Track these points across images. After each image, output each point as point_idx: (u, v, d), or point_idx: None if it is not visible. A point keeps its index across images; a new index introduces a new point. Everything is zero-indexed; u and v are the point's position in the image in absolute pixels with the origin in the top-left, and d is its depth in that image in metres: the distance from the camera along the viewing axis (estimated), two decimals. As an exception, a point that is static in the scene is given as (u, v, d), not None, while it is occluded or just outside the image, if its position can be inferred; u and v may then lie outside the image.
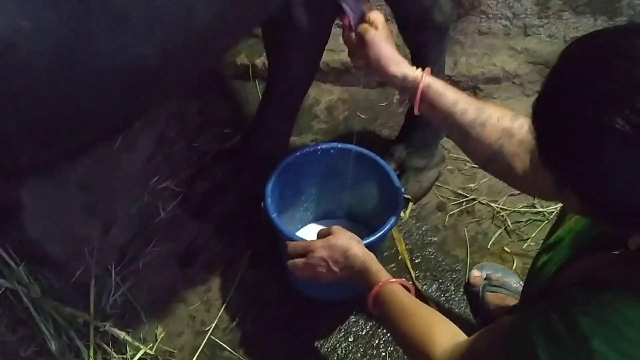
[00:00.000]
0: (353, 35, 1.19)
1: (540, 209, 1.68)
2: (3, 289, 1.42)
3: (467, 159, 1.77)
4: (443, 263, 1.59)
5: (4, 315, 1.42)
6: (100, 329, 1.40)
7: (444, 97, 1.10)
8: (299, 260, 1.27)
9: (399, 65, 1.14)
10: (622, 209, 0.66)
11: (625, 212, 0.66)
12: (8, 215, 1.47)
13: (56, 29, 0.69)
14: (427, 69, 1.14)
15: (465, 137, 1.09)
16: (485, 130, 1.06)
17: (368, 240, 1.30)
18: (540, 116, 0.71)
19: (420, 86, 1.10)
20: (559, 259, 0.91)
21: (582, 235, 0.90)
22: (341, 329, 1.46)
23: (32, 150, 0.86)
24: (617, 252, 0.81)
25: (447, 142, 1.84)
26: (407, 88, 1.13)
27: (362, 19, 1.19)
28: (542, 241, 1.58)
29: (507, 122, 1.05)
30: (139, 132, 1.69)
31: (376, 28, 1.16)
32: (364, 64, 1.19)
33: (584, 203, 0.70)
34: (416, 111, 1.14)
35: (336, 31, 2.00)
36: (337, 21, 2.01)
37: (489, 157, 1.07)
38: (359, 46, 1.18)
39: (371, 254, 1.22)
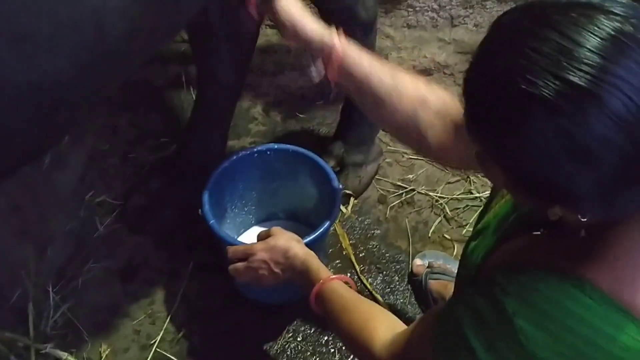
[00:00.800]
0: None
1: (477, 195, 1.72)
2: None
3: (405, 150, 1.82)
4: (387, 255, 1.61)
5: (-62, 348, 1.37)
6: (41, 352, 1.36)
7: (359, 64, 1.06)
8: (240, 264, 1.26)
9: (313, 24, 1.08)
10: (543, 180, 0.67)
11: (546, 184, 0.67)
12: None
13: None
14: (341, 31, 1.09)
15: (379, 106, 1.06)
16: (401, 99, 1.03)
17: (308, 239, 1.30)
18: (469, 85, 0.71)
19: (337, 51, 1.05)
20: (485, 245, 0.93)
21: (505, 220, 0.92)
22: (289, 330, 1.46)
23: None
24: (537, 233, 0.84)
25: (384, 136, 1.87)
26: (323, 51, 1.07)
27: None
28: (478, 226, 1.65)
29: (422, 91, 1.04)
30: (69, 149, 1.65)
31: None
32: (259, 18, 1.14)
33: (506, 175, 0.71)
34: (332, 78, 1.09)
35: (269, 32, 2.02)
36: (266, 22, 2.02)
37: (404, 126, 1.05)
38: (269, 10, 1.11)
39: (312, 252, 1.22)
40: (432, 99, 1.03)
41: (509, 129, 0.66)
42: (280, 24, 1.11)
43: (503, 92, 0.65)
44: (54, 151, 1.54)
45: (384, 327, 0.99)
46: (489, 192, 1.69)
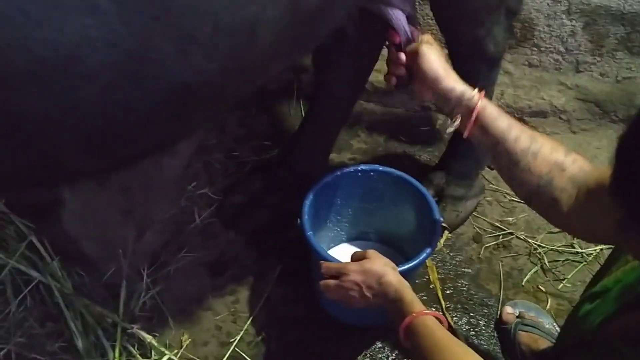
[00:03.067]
0: (402, 55, 1.18)
1: (579, 250, 1.64)
2: (36, 281, 1.44)
3: (507, 191, 1.77)
4: (475, 296, 1.56)
5: (34, 309, 1.44)
6: (127, 331, 1.40)
7: (498, 121, 1.07)
8: (332, 282, 1.25)
9: (457, 81, 1.12)
10: None
11: None
12: (48, 210, 1.49)
13: (125, 42, 0.70)
14: (483, 91, 1.12)
15: (514, 165, 1.05)
16: (536, 161, 1.03)
17: (403, 268, 1.28)
18: (624, 143, 0.68)
19: (477, 106, 1.08)
20: (603, 311, 0.88)
21: (631, 289, 0.87)
22: (366, 354, 1.44)
23: (85, 160, 0.87)
24: None
25: (487, 173, 1.82)
26: (462, 106, 1.10)
27: (412, 39, 1.18)
28: (578, 283, 1.57)
29: (560, 155, 1.02)
30: (181, 139, 1.71)
31: (430, 44, 1.15)
32: (399, 84, 1.18)
33: None
34: (466, 133, 1.10)
35: (383, 51, 2.01)
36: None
37: (536, 189, 1.03)
38: (410, 63, 1.16)
39: (405, 282, 1.20)
40: (569, 164, 1.01)
41: None
42: (421, 74, 1.13)
43: None
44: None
45: (478, 376, 0.95)
46: (592, 248, 1.63)
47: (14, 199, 1.50)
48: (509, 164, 1.07)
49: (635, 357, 0.70)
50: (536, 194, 1.04)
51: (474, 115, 1.08)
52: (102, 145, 0.82)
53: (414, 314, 1.11)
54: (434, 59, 1.12)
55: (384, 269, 1.21)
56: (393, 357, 1.44)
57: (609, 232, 0.96)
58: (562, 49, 1.88)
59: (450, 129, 1.12)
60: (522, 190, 1.09)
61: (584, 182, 0.98)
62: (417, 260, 1.32)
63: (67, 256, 1.49)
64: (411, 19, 1.19)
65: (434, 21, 1.58)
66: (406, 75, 1.20)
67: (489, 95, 1.61)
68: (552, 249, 1.65)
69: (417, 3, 1.83)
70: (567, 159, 1.02)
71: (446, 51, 1.52)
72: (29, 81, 0.70)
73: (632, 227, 0.68)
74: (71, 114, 0.74)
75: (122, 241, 1.53)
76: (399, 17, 1.15)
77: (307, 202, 1.42)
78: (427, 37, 1.17)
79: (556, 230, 1.69)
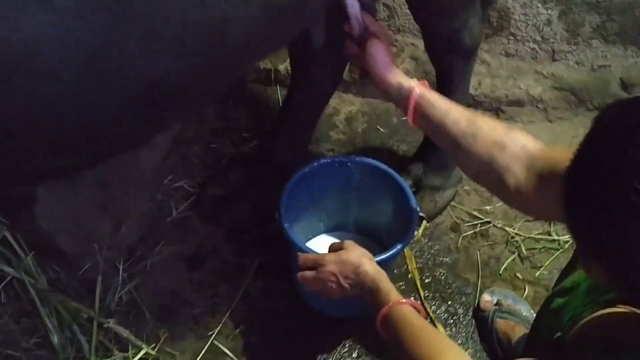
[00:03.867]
0: (353, 46, 1.20)
1: (556, 237, 1.66)
2: (10, 277, 1.42)
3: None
4: (453, 285, 1.57)
5: (8, 305, 1.42)
6: (103, 326, 1.39)
7: (436, 107, 1.09)
8: (309, 273, 1.25)
9: (395, 76, 1.15)
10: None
11: None
12: (21, 205, 1.47)
13: (86, 40, 0.68)
14: (423, 81, 1.15)
15: (456, 148, 1.07)
16: (476, 142, 1.04)
17: (380, 258, 1.28)
18: (570, 180, 0.70)
19: (414, 96, 1.10)
20: (574, 306, 0.88)
21: (600, 287, 0.87)
22: (345, 345, 1.45)
23: (55, 158, 0.85)
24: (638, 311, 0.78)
25: (465, 163, 1.82)
26: (402, 97, 1.13)
27: (366, 29, 1.19)
28: (555, 270, 1.58)
29: (499, 134, 1.03)
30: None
31: (378, 39, 1.17)
32: (362, 76, 1.20)
33: (607, 272, 0.68)
34: (410, 122, 1.14)
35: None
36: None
37: (481, 170, 1.04)
38: (360, 55, 1.19)
39: (383, 272, 1.20)
40: (509, 143, 1.01)
41: (607, 228, 0.64)
42: (367, 70, 1.18)
43: (602, 191, 0.63)
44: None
45: (455, 364, 0.95)
46: (569, 236, 1.64)
47: (-14, 195, 1.47)
48: (452, 148, 1.08)
49: (598, 357, 0.70)
50: (482, 174, 1.06)
51: (411, 105, 1.10)
52: (72, 144, 0.81)
53: (390, 304, 1.11)
54: (377, 55, 1.16)
55: (361, 259, 1.21)
56: (373, 347, 1.44)
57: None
58: (538, 38, 1.89)
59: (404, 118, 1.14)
60: (468, 171, 1.11)
61: (532, 163, 0.98)
62: (394, 250, 1.33)
63: (41, 251, 1.46)
64: (368, 8, 1.19)
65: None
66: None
67: (464, 86, 1.61)
68: (529, 237, 1.66)
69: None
70: (507, 138, 1.02)
71: (421, 45, 1.52)
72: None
73: (589, 257, 0.69)
74: (35, 113, 0.73)
75: (97, 235, 1.51)
76: (353, 5, 1.15)
77: (285, 194, 1.41)
78: (376, 27, 1.19)
79: (533, 218, 1.71)
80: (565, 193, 0.70)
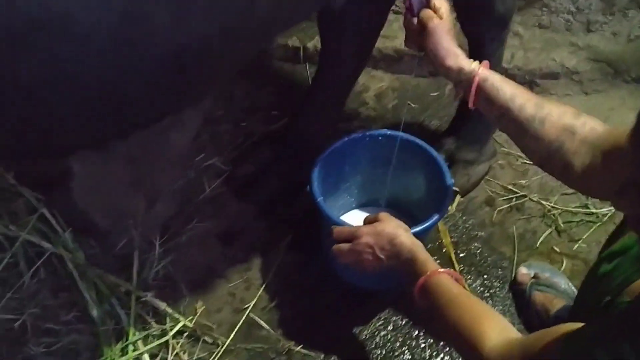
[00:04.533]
0: (415, 20, 1.16)
1: (594, 210, 1.62)
2: (48, 253, 1.44)
3: (520, 154, 1.74)
4: (489, 259, 1.55)
5: (47, 280, 1.45)
6: (141, 299, 1.41)
7: (501, 91, 1.05)
8: (344, 245, 1.24)
9: (457, 59, 1.10)
10: None
11: None
12: (57, 182, 1.49)
13: (116, 3, 0.68)
14: (485, 62, 1.10)
15: (522, 134, 1.04)
16: (544, 127, 1.01)
17: (415, 230, 1.26)
18: None
19: (476, 79, 1.06)
20: (624, 270, 0.86)
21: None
22: (380, 318, 1.44)
23: (85, 128, 0.86)
24: None
25: (499, 136, 1.79)
26: (463, 81, 1.09)
27: (426, 4, 1.16)
28: (593, 244, 1.55)
29: (568, 119, 1.00)
30: (186, 110, 1.69)
31: (440, 17, 1.12)
32: (419, 51, 1.16)
33: None
34: (470, 105, 1.10)
35: (391, 17, 1.98)
36: (393, 7, 1.98)
37: (547, 155, 1.02)
38: (418, 33, 1.14)
39: (419, 243, 1.19)
40: (579, 127, 0.99)
41: None
42: (427, 51, 1.13)
43: None
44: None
45: (495, 328, 0.94)
46: (607, 208, 1.61)
47: (23, 172, 1.50)
48: (517, 133, 1.05)
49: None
50: (548, 160, 1.03)
51: (473, 89, 1.06)
52: (103, 111, 0.81)
53: (429, 273, 1.10)
54: (439, 36, 1.10)
55: (397, 230, 1.20)
56: (407, 319, 1.43)
57: None
58: (572, 9, 1.84)
59: (454, 102, 1.11)
60: (533, 157, 1.07)
61: (598, 144, 0.96)
62: (430, 222, 1.31)
63: (78, 228, 1.49)
64: None
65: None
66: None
67: (498, 57, 1.58)
68: (566, 210, 1.63)
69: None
70: (577, 122, 0.99)
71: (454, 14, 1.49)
72: (23, 44, 0.68)
73: None
74: (68, 78, 0.73)
75: (132, 212, 1.52)
76: None
77: (316, 169, 1.40)
78: (440, 1, 1.14)
79: (570, 191, 1.67)
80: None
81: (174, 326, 1.37)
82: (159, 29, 0.76)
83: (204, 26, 0.79)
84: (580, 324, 0.78)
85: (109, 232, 1.51)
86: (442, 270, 1.11)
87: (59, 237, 1.46)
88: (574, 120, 1.00)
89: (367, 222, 1.27)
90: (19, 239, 1.44)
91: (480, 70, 1.07)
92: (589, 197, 1.64)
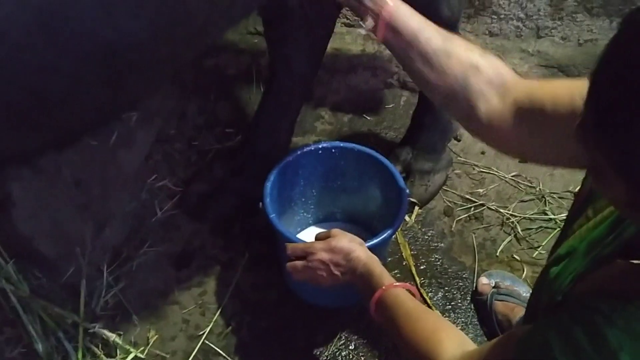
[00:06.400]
0: None
1: (552, 216, 1.62)
2: (-10, 286, 1.37)
3: (476, 162, 1.74)
4: (449, 270, 1.53)
5: (-10, 315, 1.37)
6: (89, 331, 1.34)
7: (410, 21, 0.99)
8: (299, 263, 1.21)
9: None
10: None
11: None
12: (-2, 209, 1.42)
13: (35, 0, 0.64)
14: None
15: (427, 67, 0.98)
16: (450, 61, 0.96)
17: (370, 243, 1.24)
18: (597, 84, 0.63)
19: (387, 7, 0.99)
20: (573, 269, 0.84)
21: (599, 244, 0.83)
22: (341, 337, 1.40)
23: (11, 136, 0.80)
24: (638, 262, 0.74)
25: (454, 145, 1.79)
26: (372, 9, 1.01)
27: None
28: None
29: (475, 55, 0.96)
30: (136, 129, 1.64)
31: None
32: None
33: (628, 188, 0.61)
34: (380, 36, 1.02)
35: (343, 30, 1.97)
36: (345, 20, 1.97)
37: (451, 92, 0.97)
38: None
39: (374, 257, 1.16)
40: (486, 66, 0.94)
41: None
42: None
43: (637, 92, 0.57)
44: (122, 129, 1.53)
45: (452, 342, 0.91)
46: (565, 214, 1.60)
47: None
48: (423, 66, 0.99)
49: (610, 311, 0.65)
50: (452, 97, 0.97)
51: (382, 16, 1.00)
52: (29, 116, 0.76)
53: (384, 287, 1.07)
54: None
55: (351, 245, 1.17)
56: (369, 337, 1.40)
57: (544, 152, 0.91)
58: (521, 15, 1.85)
59: (362, 31, 1.05)
60: (437, 93, 1.01)
61: (504, 90, 0.92)
62: (385, 235, 1.28)
63: (22, 257, 1.41)
64: None
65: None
66: None
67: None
68: (524, 218, 1.62)
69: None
70: (483, 61, 0.95)
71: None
72: None
73: (606, 169, 0.63)
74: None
75: (79, 238, 1.46)
76: None
77: (269, 184, 1.36)
78: None
79: (528, 198, 1.67)
80: (593, 99, 0.63)
81: (124, 358, 1.31)
82: (83, 23, 0.71)
83: (130, 21, 0.75)
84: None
85: (54, 261, 1.44)
86: (397, 284, 1.08)
87: (1, 269, 1.38)
88: (479, 58, 0.95)
89: (319, 238, 1.24)
90: (-43, 272, 1.36)
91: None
92: (547, 204, 1.64)
